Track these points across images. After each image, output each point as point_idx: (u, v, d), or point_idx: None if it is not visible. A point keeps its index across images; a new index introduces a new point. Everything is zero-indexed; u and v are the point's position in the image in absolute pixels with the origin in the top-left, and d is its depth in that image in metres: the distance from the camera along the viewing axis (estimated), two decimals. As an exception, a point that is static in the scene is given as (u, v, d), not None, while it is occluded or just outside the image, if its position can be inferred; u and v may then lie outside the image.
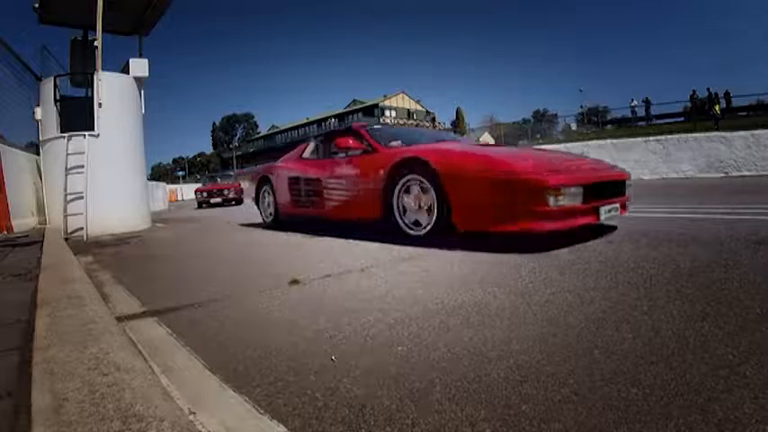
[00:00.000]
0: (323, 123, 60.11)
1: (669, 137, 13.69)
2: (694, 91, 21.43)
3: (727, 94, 21.31)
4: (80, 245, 4.71)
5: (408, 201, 3.27)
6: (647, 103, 23.94)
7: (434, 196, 2.98)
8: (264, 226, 5.44)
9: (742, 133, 12.47)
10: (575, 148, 14.05)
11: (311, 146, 4.96)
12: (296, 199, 4.71)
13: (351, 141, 3.89)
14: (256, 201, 5.71)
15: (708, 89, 19.59)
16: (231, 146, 74.04)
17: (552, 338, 1.27)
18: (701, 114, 19.32)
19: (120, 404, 0.81)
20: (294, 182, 4.74)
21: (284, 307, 1.78)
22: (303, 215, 4.64)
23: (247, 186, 6.22)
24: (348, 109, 61.32)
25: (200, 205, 14.94)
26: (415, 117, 57.93)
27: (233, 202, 14.62)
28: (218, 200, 14.72)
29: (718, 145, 12.79)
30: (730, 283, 1.70)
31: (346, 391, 1.04)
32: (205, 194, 14.99)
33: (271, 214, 5.37)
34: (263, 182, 5.52)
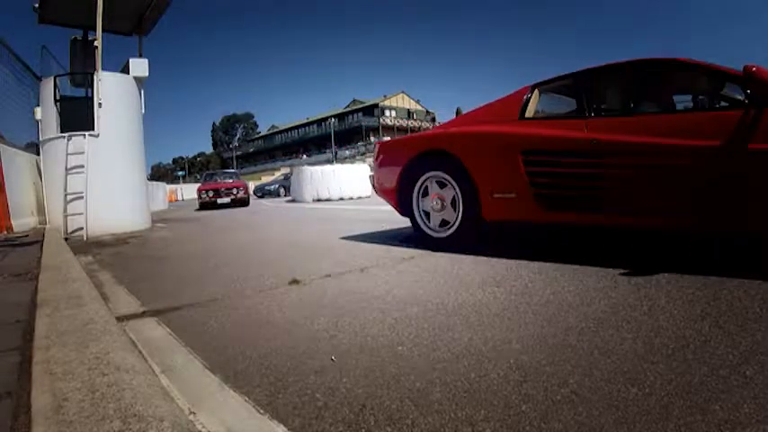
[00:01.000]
0: (323, 123, 60.12)
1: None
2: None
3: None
4: (80, 245, 4.71)
5: None
6: (647, 103, 23.92)
7: None
8: (435, 244, 2.97)
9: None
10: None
11: (535, 97, 2.82)
12: (548, 192, 2.51)
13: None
14: (400, 199, 3.23)
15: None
16: (231, 146, 74.07)
17: (552, 338, 1.27)
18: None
19: (120, 404, 0.81)
20: (544, 160, 2.51)
21: (284, 307, 1.78)
22: (566, 222, 2.53)
23: (380, 173, 3.51)
24: (348, 109, 61.34)
25: (203, 207, 12.92)
26: (414, 117, 57.97)
27: (239, 204, 12.92)
28: (227, 200, 12.75)
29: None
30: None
31: (346, 391, 1.04)
32: (211, 194, 12.77)
33: (449, 223, 2.95)
34: (425, 163, 3.06)
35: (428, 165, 3.05)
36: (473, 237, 2.88)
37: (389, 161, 3.42)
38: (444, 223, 3.01)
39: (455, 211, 2.94)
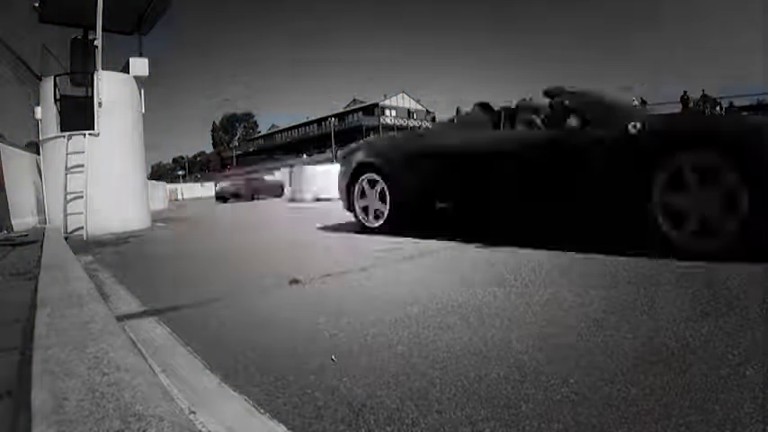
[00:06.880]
0: (323, 123, 60.06)
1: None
2: (685, 92, 21.34)
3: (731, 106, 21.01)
4: (80, 244, 4.70)
5: None
6: (644, 103, 23.94)
7: None
8: None
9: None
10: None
11: None
12: None
13: None
14: None
15: (702, 90, 19.64)
16: (231, 145, 74.02)
17: (552, 338, 1.27)
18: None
19: (120, 404, 0.81)
20: None
21: (284, 306, 1.78)
22: None
23: None
24: (348, 109, 61.29)
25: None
26: (415, 117, 57.91)
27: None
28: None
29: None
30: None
31: (346, 391, 1.04)
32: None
33: None
34: None
35: None
36: None
37: None
38: None
39: None
